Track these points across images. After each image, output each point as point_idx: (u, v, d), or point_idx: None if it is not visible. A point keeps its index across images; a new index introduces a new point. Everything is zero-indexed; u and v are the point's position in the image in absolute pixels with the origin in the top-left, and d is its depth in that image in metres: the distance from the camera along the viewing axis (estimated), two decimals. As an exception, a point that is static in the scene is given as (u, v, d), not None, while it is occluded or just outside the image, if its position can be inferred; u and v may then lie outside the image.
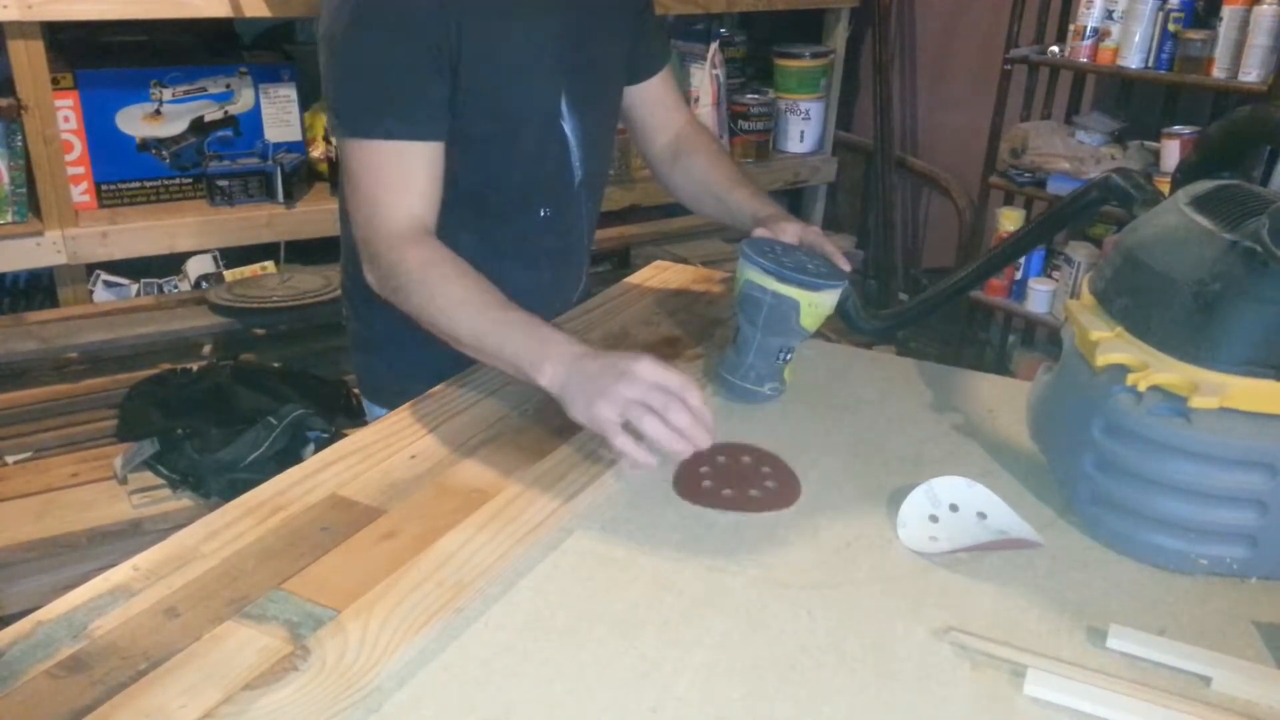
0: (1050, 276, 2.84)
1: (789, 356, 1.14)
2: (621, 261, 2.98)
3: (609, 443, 0.94)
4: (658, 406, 0.92)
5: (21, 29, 2.08)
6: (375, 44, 1.07)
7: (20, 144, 2.21)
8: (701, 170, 1.33)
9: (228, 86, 2.50)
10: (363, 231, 1.12)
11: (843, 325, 1.24)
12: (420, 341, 1.30)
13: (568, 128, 1.23)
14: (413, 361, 1.28)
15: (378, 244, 1.10)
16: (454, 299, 1.05)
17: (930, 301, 1.27)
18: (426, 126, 1.10)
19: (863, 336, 1.33)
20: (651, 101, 1.36)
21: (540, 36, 1.16)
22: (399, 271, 1.08)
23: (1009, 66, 2.83)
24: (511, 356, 1.01)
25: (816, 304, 1.10)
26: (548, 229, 1.27)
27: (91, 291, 2.40)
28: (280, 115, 2.57)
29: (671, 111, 1.38)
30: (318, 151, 2.64)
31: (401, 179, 1.10)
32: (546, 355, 0.98)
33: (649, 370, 0.93)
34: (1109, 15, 2.57)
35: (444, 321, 1.06)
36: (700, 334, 1.33)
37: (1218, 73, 2.41)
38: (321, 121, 2.62)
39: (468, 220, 1.20)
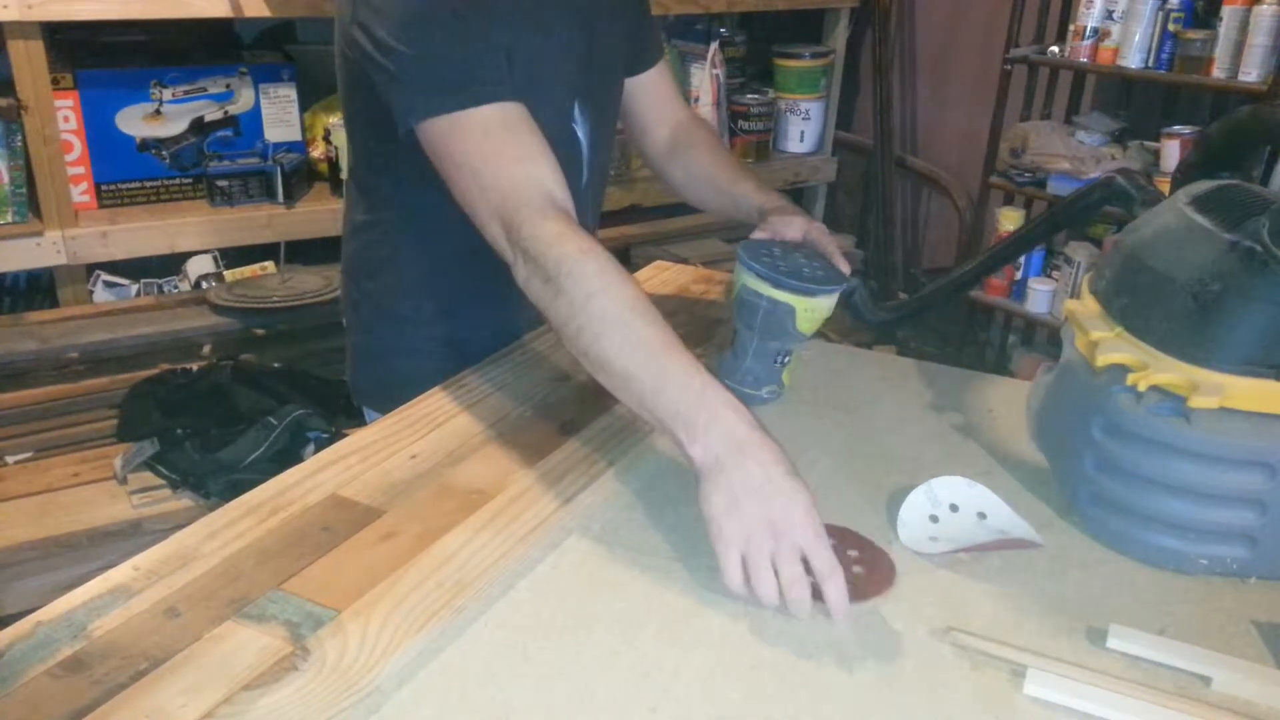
0: (1050, 276, 2.84)
1: (787, 359, 1.14)
2: (621, 261, 2.98)
3: (715, 550, 0.81)
4: (785, 568, 0.79)
5: (21, 29, 2.08)
6: (447, 24, 1.00)
7: (20, 144, 2.20)
8: (702, 164, 1.32)
9: (228, 86, 2.50)
10: (497, 221, 0.97)
11: (843, 325, 1.24)
12: (418, 350, 1.30)
13: (579, 129, 1.22)
14: (411, 369, 1.28)
15: (518, 227, 0.95)
16: (611, 314, 0.89)
17: (935, 295, 1.27)
18: (508, 89, 1.01)
19: (869, 329, 1.32)
20: (649, 94, 1.35)
21: (564, 40, 1.16)
22: (550, 259, 0.92)
23: (1009, 66, 2.83)
24: (665, 408, 0.85)
25: (812, 309, 1.09)
26: None
27: (91, 292, 2.40)
28: (280, 115, 2.57)
29: (669, 104, 1.37)
30: (318, 151, 2.63)
31: (517, 143, 0.98)
32: (710, 427, 0.83)
33: (802, 533, 0.79)
34: (1109, 15, 2.57)
35: (588, 337, 0.90)
36: (700, 334, 1.33)
37: (1218, 73, 2.41)
38: (322, 122, 2.62)
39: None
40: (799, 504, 0.80)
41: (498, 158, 0.99)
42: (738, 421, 0.84)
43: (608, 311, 0.90)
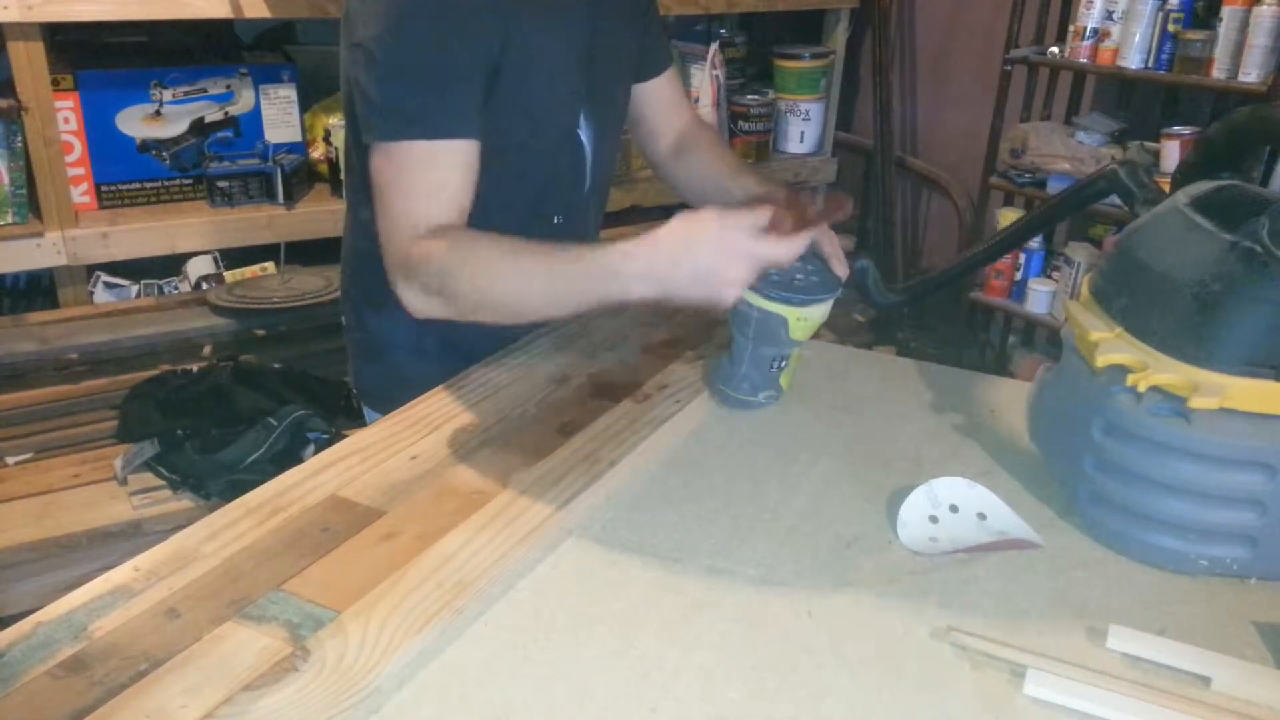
0: (1050, 277, 2.84)
1: (784, 365, 1.13)
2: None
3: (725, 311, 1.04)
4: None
5: (21, 30, 2.08)
6: (423, 47, 1.03)
7: (20, 145, 2.20)
8: (704, 162, 1.33)
9: (228, 87, 2.50)
10: (393, 250, 1.06)
11: (843, 326, 1.24)
12: (418, 350, 1.30)
13: (584, 136, 1.23)
14: (411, 368, 1.28)
15: (408, 257, 1.04)
16: (504, 274, 1.01)
17: (944, 277, 1.26)
18: (463, 125, 1.06)
19: (880, 311, 1.32)
20: (658, 100, 1.36)
21: (569, 48, 1.16)
22: (430, 269, 1.03)
23: (1009, 67, 2.83)
24: (597, 300, 1.00)
25: (805, 317, 1.07)
26: (560, 236, 1.27)
27: (92, 292, 2.40)
28: (280, 116, 2.57)
29: (677, 110, 1.38)
30: (318, 152, 2.63)
31: (435, 183, 1.05)
32: (627, 285, 0.98)
33: (744, 274, 0.96)
34: (1109, 15, 2.57)
35: (504, 299, 1.02)
36: (700, 336, 1.33)
37: (1218, 73, 2.40)
38: (322, 122, 2.62)
39: (482, 229, 1.19)
40: (728, 268, 0.95)
41: (408, 188, 1.05)
42: (631, 255, 0.97)
43: (500, 280, 1.01)
